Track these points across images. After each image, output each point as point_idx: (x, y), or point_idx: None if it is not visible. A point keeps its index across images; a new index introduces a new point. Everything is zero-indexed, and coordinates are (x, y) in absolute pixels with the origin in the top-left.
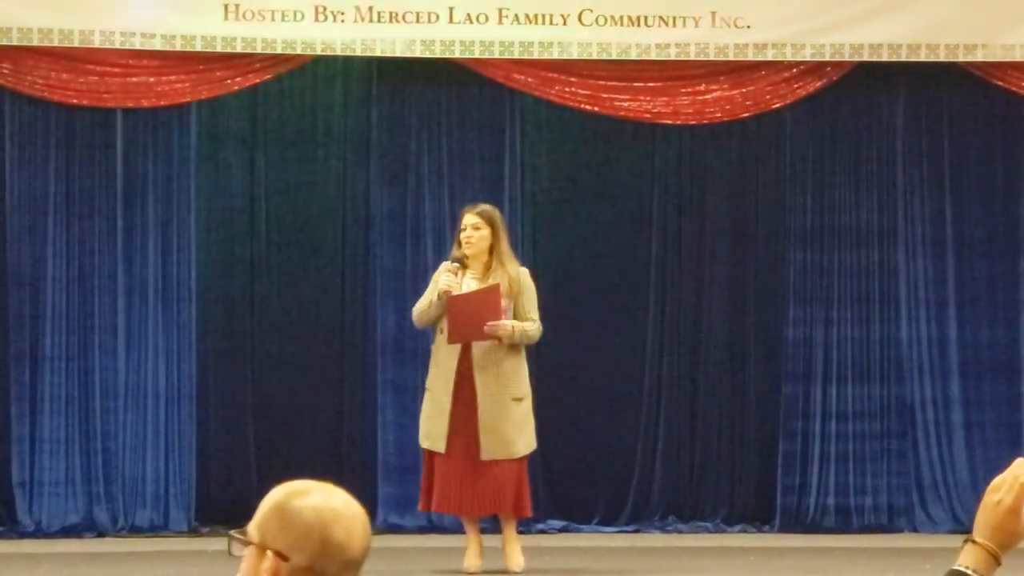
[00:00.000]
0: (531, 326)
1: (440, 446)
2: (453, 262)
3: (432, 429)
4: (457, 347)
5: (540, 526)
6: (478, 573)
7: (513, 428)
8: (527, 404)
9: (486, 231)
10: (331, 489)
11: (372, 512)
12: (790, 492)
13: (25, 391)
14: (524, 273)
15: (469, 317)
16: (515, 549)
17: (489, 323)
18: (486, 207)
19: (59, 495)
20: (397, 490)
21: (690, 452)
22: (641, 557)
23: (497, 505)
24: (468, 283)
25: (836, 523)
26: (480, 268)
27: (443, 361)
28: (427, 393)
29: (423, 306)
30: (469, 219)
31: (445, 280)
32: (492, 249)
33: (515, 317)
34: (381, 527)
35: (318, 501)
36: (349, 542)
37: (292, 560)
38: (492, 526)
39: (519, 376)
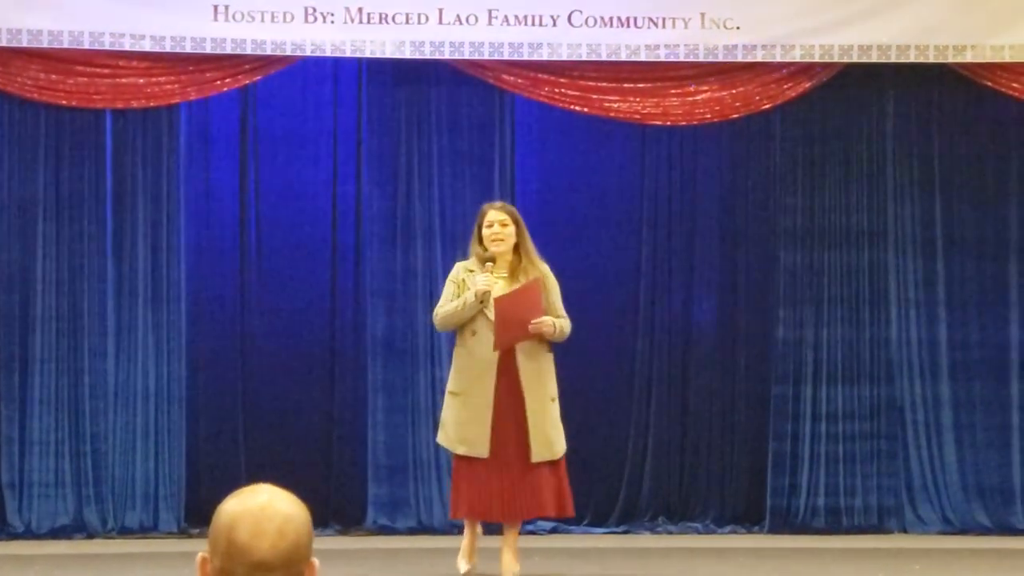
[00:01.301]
0: (566, 322)
1: (483, 451)
2: (486, 262)
3: (470, 434)
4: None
5: (529, 527)
6: (471, 574)
7: (554, 429)
8: (557, 403)
9: (512, 228)
10: (261, 491)
11: (362, 513)
12: (780, 493)
13: (15, 392)
14: (547, 269)
15: (515, 317)
16: (514, 555)
17: (534, 321)
18: (507, 204)
19: (49, 496)
20: (387, 491)
21: (680, 453)
22: (631, 558)
23: (542, 507)
24: (498, 283)
25: (826, 524)
26: (506, 267)
27: (477, 364)
28: (457, 397)
29: (455, 308)
30: (495, 215)
31: (484, 280)
32: (517, 247)
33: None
34: (371, 528)
35: (234, 502)
36: (254, 544)
37: (213, 563)
38: (487, 527)
39: (553, 375)
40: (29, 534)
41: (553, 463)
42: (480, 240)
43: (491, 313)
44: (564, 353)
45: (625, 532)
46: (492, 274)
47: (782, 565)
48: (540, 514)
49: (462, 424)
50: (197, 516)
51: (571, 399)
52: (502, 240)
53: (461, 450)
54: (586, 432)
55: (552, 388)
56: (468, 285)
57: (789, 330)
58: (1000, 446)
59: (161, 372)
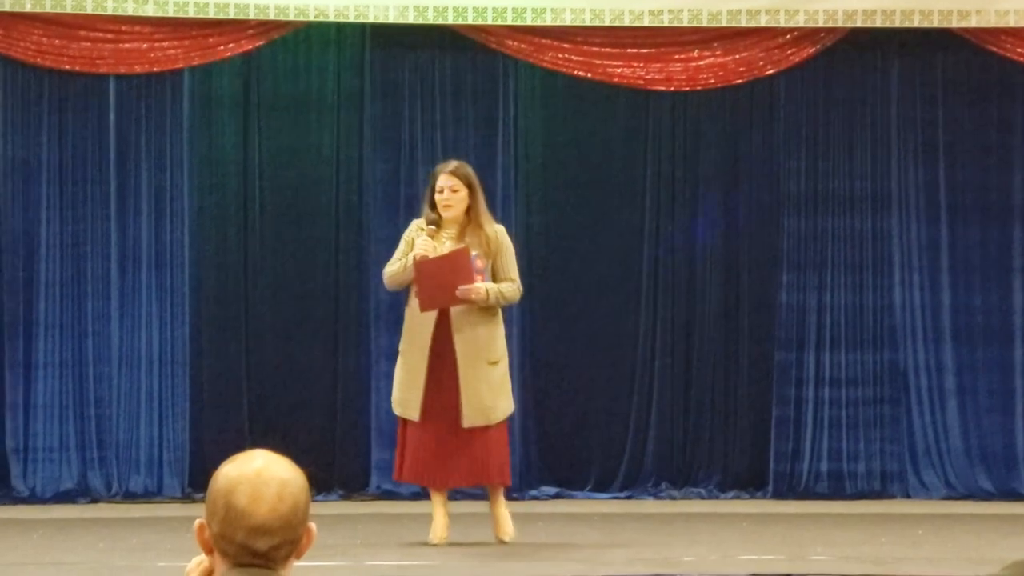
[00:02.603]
0: (509, 287)
1: (415, 414)
2: (429, 225)
3: (405, 396)
4: (432, 311)
5: (533, 493)
6: (443, 545)
7: (490, 392)
8: (503, 367)
9: (463, 192)
10: (257, 456)
11: (365, 478)
12: (783, 458)
13: (19, 357)
14: (501, 231)
15: (440, 282)
16: (505, 516)
17: (461, 287)
18: (460, 164)
19: (53, 461)
20: (390, 456)
21: (683, 418)
22: (634, 523)
23: (480, 475)
24: (445, 245)
25: (829, 489)
26: (456, 229)
27: (417, 326)
28: (400, 358)
29: (396, 269)
30: (445, 180)
31: (421, 245)
32: (469, 209)
33: (493, 278)
34: (374, 493)
35: (230, 468)
36: (252, 508)
37: (211, 528)
38: (481, 493)
39: (495, 339)
40: (34, 499)
41: (493, 428)
42: (432, 201)
43: None
44: (566, 319)
45: (628, 498)
46: (431, 239)
47: (785, 530)
48: (480, 482)
49: (400, 385)
50: (201, 481)
51: (574, 365)
52: (450, 206)
53: (398, 411)
54: (589, 398)
55: (494, 351)
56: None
57: (793, 295)
58: (1003, 411)
59: (165, 337)
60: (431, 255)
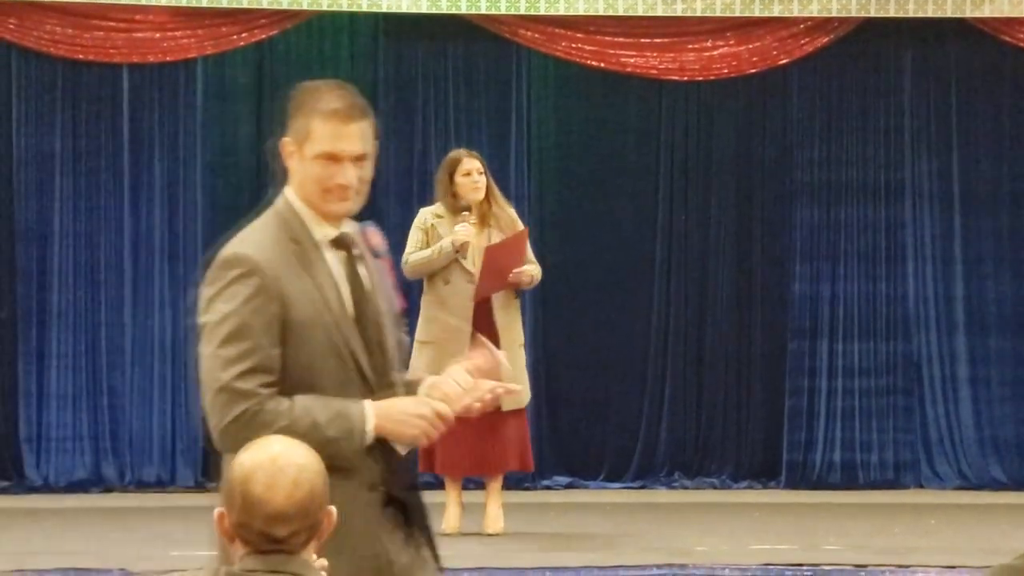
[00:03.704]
0: (537, 269)
1: None
2: (462, 211)
3: None
4: (470, 296)
5: (546, 482)
6: (456, 535)
7: (522, 375)
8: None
9: (484, 176)
10: (273, 442)
11: None
12: (796, 448)
13: (32, 347)
14: (516, 215)
15: (500, 267)
16: (499, 510)
17: (515, 270)
18: (473, 151)
19: (66, 450)
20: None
21: (696, 408)
22: (647, 513)
23: (506, 462)
24: (465, 230)
25: (842, 479)
26: (478, 214)
27: (453, 312)
28: (428, 347)
29: (429, 256)
30: (471, 163)
31: (464, 231)
32: (487, 193)
33: None
34: None
35: (246, 456)
36: (269, 496)
37: (230, 517)
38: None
39: (520, 323)
40: (47, 488)
41: (518, 414)
42: (451, 187)
43: (467, 263)
44: (579, 308)
45: (641, 487)
46: (470, 223)
47: (798, 520)
48: (504, 469)
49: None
50: (214, 470)
51: (586, 355)
52: (479, 188)
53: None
54: (603, 388)
55: (521, 335)
56: (439, 232)
57: (805, 285)
58: (1016, 401)
59: (178, 327)
60: (472, 242)
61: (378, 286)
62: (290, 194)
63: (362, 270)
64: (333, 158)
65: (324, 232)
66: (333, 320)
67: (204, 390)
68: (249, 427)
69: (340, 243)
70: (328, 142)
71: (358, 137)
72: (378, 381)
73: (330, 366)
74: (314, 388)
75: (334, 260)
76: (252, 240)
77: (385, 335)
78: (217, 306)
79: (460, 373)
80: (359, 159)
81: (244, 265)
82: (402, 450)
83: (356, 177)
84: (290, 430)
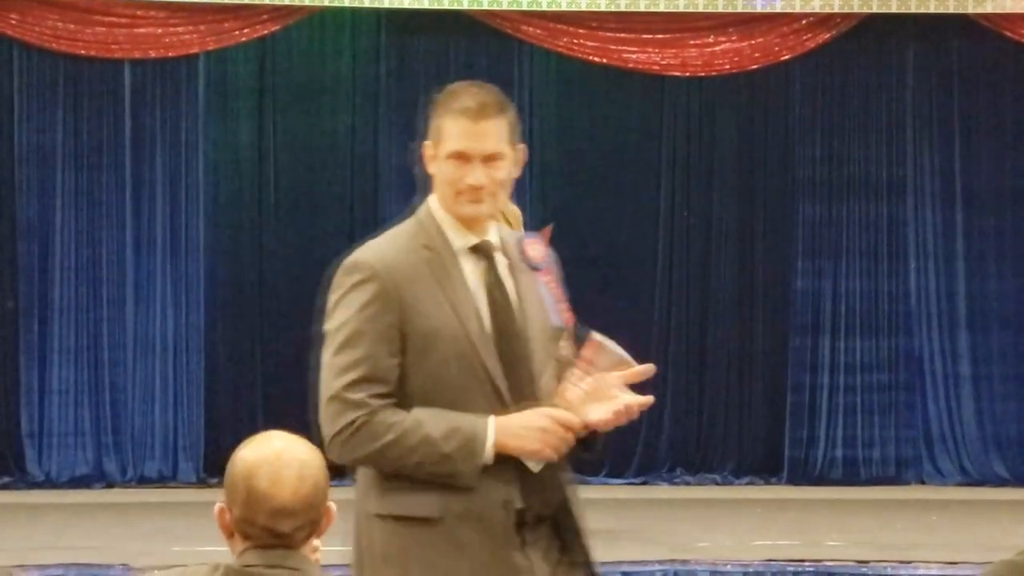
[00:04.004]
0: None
1: None
2: None
3: None
4: None
5: None
6: None
7: None
8: None
9: None
10: (274, 437)
11: None
12: (798, 444)
13: (34, 342)
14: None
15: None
16: None
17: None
18: None
19: (68, 446)
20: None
21: (698, 404)
22: (649, 509)
23: None
24: None
25: (844, 475)
26: None
27: None
28: None
29: None
30: None
31: None
32: None
33: None
34: None
35: (248, 451)
36: (274, 491)
37: (232, 512)
38: None
39: None
40: (49, 483)
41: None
42: None
43: None
44: (580, 303)
45: (643, 483)
46: None
47: (800, 516)
48: None
49: None
50: (216, 465)
51: None
52: None
53: None
54: None
55: None
56: None
57: (808, 281)
58: (1018, 397)
59: (180, 322)
60: None
61: (527, 298)
62: (432, 200)
63: (508, 281)
64: (463, 157)
65: (465, 240)
66: (463, 331)
67: (319, 398)
68: (357, 438)
69: (480, 251)
70: (457, 140)
71: (489, 135)
72: (515, 398)
73: (456, 379)
74: (438, 401)
75: (473, 269)
76: (377, 246)
77: (530, 350)
78: (336, 313)
79: (579, 376)
80: (491, 159)
81: (363, 271)
82: (533, 467)
83: (487, 177)
84: (399, 443)
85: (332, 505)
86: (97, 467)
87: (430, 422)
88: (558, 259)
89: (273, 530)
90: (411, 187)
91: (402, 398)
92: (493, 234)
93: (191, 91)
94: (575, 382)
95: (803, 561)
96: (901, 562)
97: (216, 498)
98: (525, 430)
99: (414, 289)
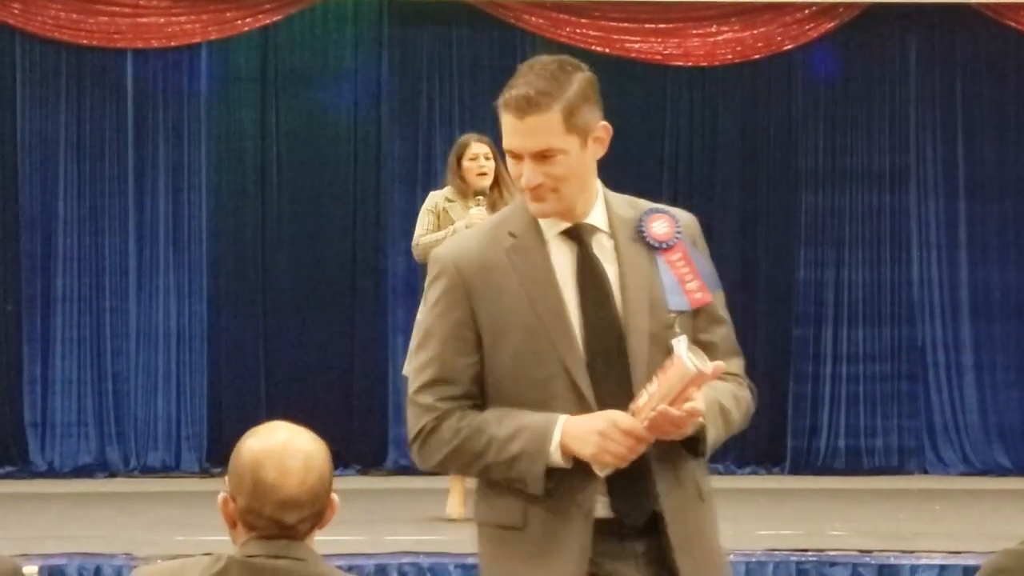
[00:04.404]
0: None
1: None
2: (476, 195)
3: None
4: None
5: None
6: (460, 520)
7: None
8: None
9: (493, 161)
10: (279, 428)
11: (382, 453)
12: (800, 434)
13: (36, 332)
14: None
15: None
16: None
17: None
18: (484, 135)
19: (71, 436)
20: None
21: None
22: None
23: None
24: (480, 213)
25: (847, 465)
26: (487, 199)
27: None
28: None
29: (439, 239)
30: (480, 147)
31: (480, 216)
32: (495, 180)
33: None
34: (391, 468)
35: (254, 442)
36: (281, 482)
37: (236, 502)
38: None
39: None
40: (52, 473)
41: None
42: (459, 171)
43: None
44: None
45: None
46: (483, 207)
47: (802, 506)
48: None
49: None
50: (219, 455)
51: None
52: (486, 174)
53: None
54: None
55: None
56: (451, 216)
57: (810, 271)
58: (1021, 387)
59: (183, 312)
60: None
61: (638, 283)
62: None
63: (612, 266)
64: (513, 156)
65: (556, 226)
66: (539, 324)
67: None
68: (429, 444)
69: (572, 235)
70: (507, 138)
71: (537, 132)
72: (600, 396)
73: (532, 374)
74: (518, 400)
75: (565, 256)
76: (463, 237)
77: (628, 342)
78: (422, 310)
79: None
80: (543, 156)
81: (437, 265)
82: (599, 471)
83: (544, 175)
84: (466, 447)
85: (335, 497)
86: (100, 457)
87: (497, 422)
88: (699, 231)
89: (279, 521)
90: (414, 176)
91: (485, 397)
92: (597, 214)
93: (194, 81)
94: (648, 388)
95: (806, 551)
96: (904, 552)
97: (219, 488)
98: (586, 433)
99: (488, 280)
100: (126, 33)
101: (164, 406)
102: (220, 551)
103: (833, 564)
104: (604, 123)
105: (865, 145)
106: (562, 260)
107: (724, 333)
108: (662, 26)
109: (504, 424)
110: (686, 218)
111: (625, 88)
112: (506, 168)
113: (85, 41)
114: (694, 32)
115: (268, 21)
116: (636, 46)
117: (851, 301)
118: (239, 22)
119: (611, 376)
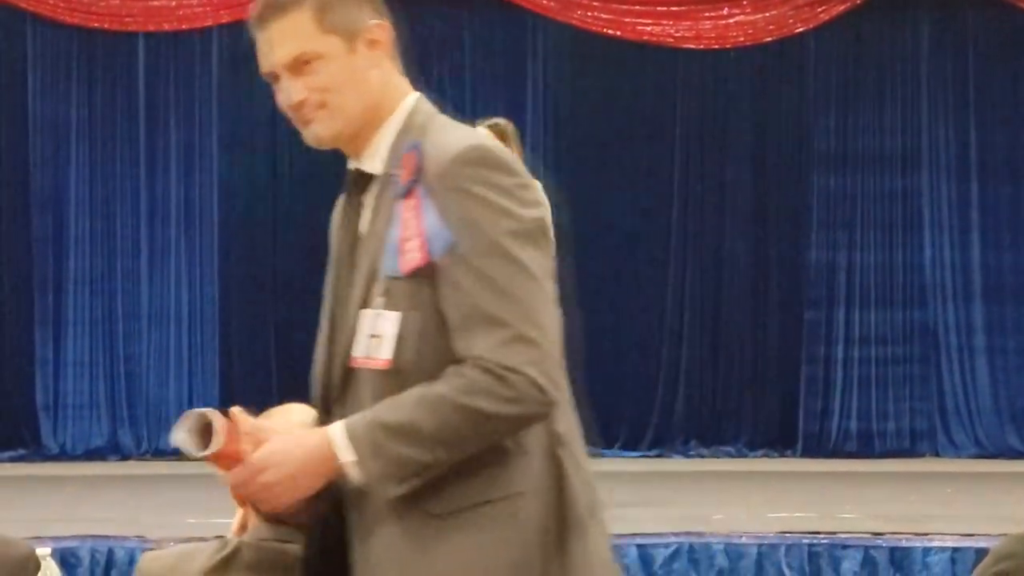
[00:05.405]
0: None
1: None
2: None
3: None
4: None
5: None
6: None
7: None
8: None
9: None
10: (293, 410)
11: None
12: (812, 417)
13: (49, 315)
14: None
15: None
16: None
17: None
18: (499, 121)
19: (83, 418)
20: None
21: (713, 377)
22: (663, 482)
23: None
24: None
25: (858, 448)
26: None
27: None
28: None
29: None
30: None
31: None
32: None
33: None
34: None
35: (268, 423)
36: None
37: None
38: None
39: None
40: (64, 455)
41: None
42: None
43: None
44: (594, 277)
45: (658, 456)
46: None
47: (814, 489)
48: None
49: None
50: None
51: (602, 324)
52: None
53: None
54: (619, 356)
55: None
56: None
57: (822, 254)
58: None
59: (194, 294)
60: None
61: (368, 245)
62: None
63: (365, 214)
64: (274, 81)
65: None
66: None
67: None
68: None
69: (347, 182)
70: (260, 63)
71: (282, 39)
72: (324, 378)
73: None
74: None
75: (340, 204)
76: None
77: (347, 308)
78: None
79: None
80: (297, 66)
81: None
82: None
83: (305, 88)
84: None
85: None
86: (112, 439)
87: None
88: (465, 173)
89: None
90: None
91: None
92: (375, 151)
93: (205, 64)
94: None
95: (818, 533)
96: (916, 534)
97: None
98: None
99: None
100: (137, 16)
101: (176, 388)
102: (226, 536)
103: (845, 547)
104: (378, 22)
105: (877, 127)
106: (338, 210)
107: (459, 300)
108: (674, 9)
109: None
110: (438, 156)
111: (636, 71)
112: (515, 151)
113: (96, 24)
114: (706, 15)
115: None
116: (648, 29)
117: (863, 284)
118: (250, 4)
119: (333, 349)
